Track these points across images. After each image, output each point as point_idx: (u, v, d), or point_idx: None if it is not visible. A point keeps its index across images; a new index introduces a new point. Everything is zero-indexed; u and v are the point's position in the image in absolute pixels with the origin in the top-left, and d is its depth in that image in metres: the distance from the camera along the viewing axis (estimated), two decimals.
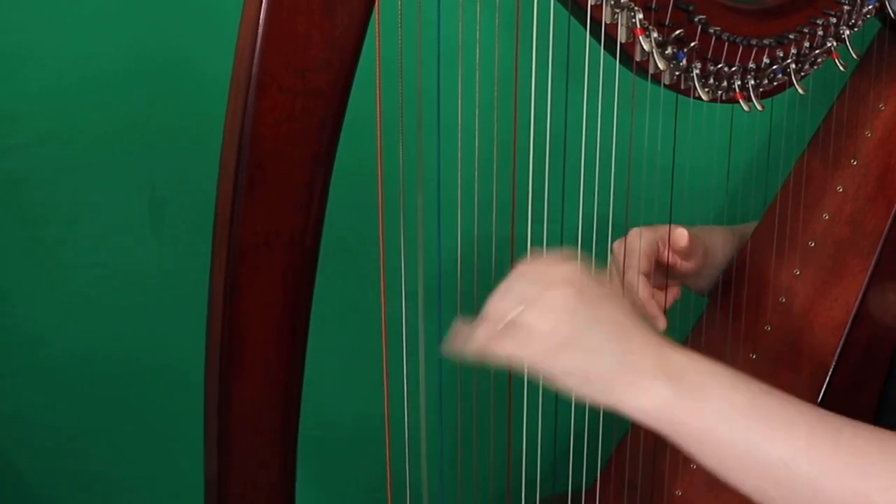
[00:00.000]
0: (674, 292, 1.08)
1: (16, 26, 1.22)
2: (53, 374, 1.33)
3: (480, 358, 0.79)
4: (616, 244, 1.07)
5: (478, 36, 0.84)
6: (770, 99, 0.99)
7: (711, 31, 0.92)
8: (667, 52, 0.90)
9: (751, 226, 1.15)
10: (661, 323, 1.04)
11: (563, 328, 0.76)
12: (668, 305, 1.08)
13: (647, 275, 1.05)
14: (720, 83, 0.95)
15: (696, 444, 0.76)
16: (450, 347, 0.80)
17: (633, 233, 1.05)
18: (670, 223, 1.05)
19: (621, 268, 1.05)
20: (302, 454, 0.87)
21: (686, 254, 1.08)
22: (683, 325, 1.14)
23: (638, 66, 0.91)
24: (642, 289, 1.03)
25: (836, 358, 1.03)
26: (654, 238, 1.06)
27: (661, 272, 1.08)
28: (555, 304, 0.77)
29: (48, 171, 1.27)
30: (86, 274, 1.31)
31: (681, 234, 1.05)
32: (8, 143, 1.25)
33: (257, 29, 0.71)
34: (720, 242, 1.14)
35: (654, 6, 0.89)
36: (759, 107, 0.97)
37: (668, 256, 1.07)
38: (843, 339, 1.03)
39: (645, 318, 0.90)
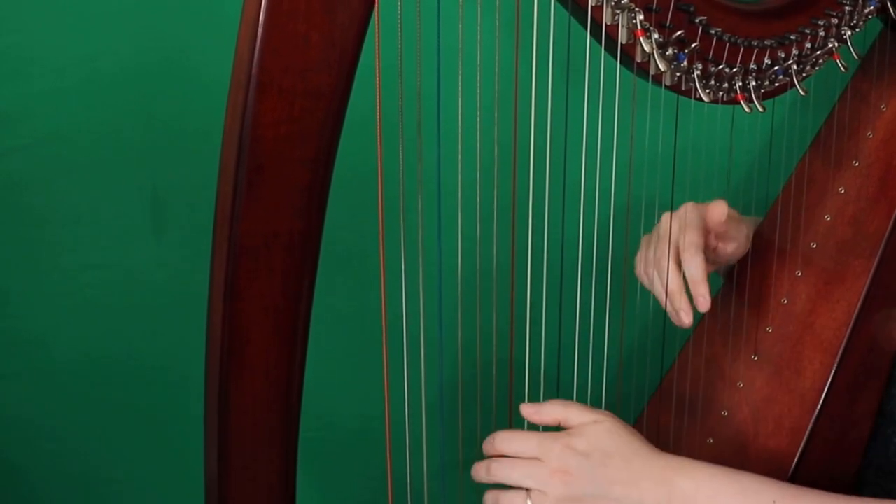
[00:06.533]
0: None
1: (17, 27, 1.23)
2: (54, 375, 1.33)
3: None
4: (665, 217, 1.05)
5: (478, 37, 0.84)
6: (771, 100, 0.99)
7: (712, 32, 0.92)
8: (668, 53, 0.90)
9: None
10: (688, 319, 1.03)
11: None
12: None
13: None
14: (721, 84, 0.95)
15: None
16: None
17: (680, 213, 1.05)
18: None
19: (666, 245, 1.04)
20: (302, 454, 0.87)
21: (723, 233, 1.08)
22: None
23: (639, 68, 0.91)
24: (676, 279, 1.03)
25: (837, 359, 1.02)
26: (702, 222, 1.05)
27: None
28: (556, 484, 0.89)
29: (49, 171, 1.27)
30: (87, 275, 1.31)
31: (720, 211, 1.05)
32: (9, 143, 1.25)
33: (257, 30, 0.71)
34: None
35: (654, 7, 0.88)
36: (760, 108, 0.97)
37: (711, 241, 1.08)
38: (844, 340, 1.03)
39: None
